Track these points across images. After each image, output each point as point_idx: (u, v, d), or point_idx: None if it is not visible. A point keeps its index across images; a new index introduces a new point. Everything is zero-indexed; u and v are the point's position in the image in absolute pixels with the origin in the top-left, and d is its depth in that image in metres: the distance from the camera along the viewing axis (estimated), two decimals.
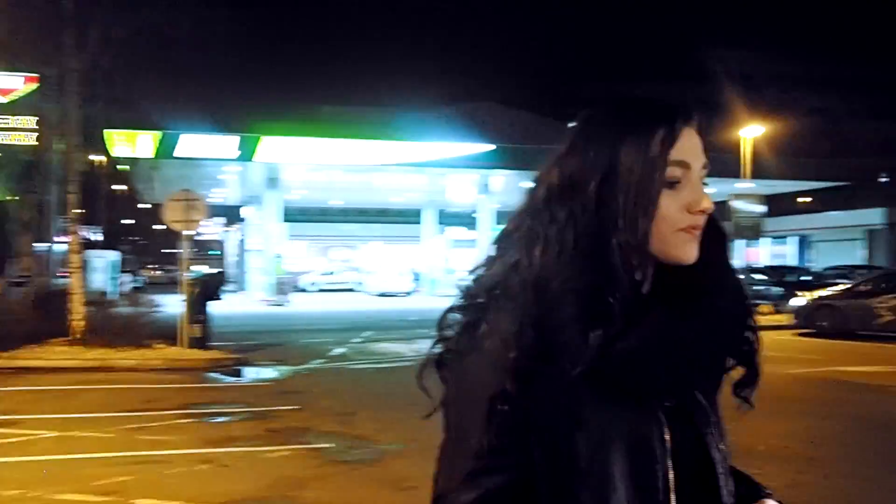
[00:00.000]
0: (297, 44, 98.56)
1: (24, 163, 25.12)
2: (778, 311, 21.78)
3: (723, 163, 27.82)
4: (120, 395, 11.25)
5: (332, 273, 47.79)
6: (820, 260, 44.87)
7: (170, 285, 29.19)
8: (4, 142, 24.78)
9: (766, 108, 35.42)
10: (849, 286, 20.78)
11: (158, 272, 62.71)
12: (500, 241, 1.24)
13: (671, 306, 1.13)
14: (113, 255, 34.77)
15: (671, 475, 1.14)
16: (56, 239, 29.32)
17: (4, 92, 23.30)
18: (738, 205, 24.26)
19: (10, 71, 21.78)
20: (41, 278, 25.57)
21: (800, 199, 50.51)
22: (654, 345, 1.11)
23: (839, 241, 46.36)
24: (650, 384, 1.13)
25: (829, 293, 20.36)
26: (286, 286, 33.87)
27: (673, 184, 1.16)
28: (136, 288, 38.28)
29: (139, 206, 57.22)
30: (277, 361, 14.63)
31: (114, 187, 50.98)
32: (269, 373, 13.55)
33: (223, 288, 23.93)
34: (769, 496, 1.31)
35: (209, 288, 16.57)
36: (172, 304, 17.33)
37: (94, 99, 16.46)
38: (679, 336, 1.12)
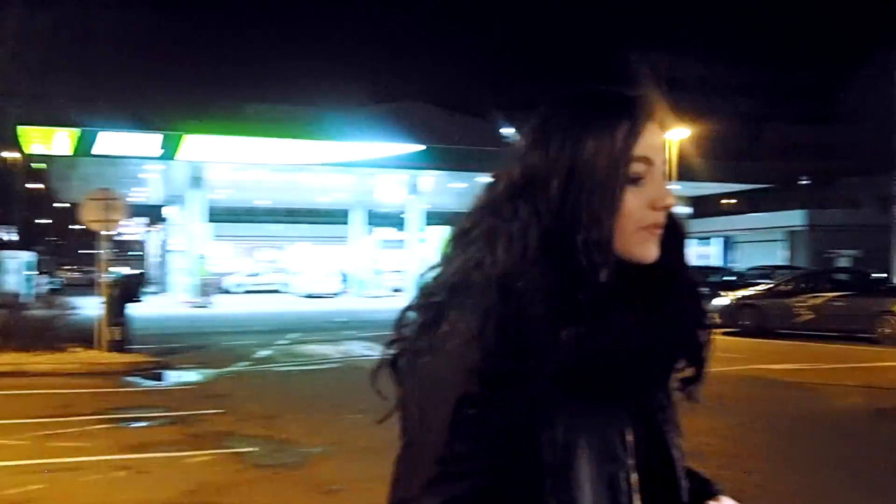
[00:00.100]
0: (222, 41, 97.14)
1: None
2: None
3: None
4: (33, 400, 10.86)
5: (257, 274, 47.35)
6: (743, 260, 45.98)
7: (88, 287, 28.43)
8: None
9: (691, 111, 36.15)
10: (770, 286, 21.31)
11: (76, 273, 61.13)
12: (459, 238, 1.20)
13: (634, 305, 1.13)
14: (28, 256, 33.71)
15: (634, 476, 1.15)
16: None
17: None
18: None
19: None
20: None
21: (724, 201, 51.87)
22: (623, 343, 1.10)
23: (762, 242, 47.69)
24: (618, 383, 1.13)
25: (752, 293, 20.85)
26: (210, 287, 33.35)
27: (636, 180, 1.14)
28: (52, 289, 37.27)
29: (56, 205, 55.66)
30: (200, 364, 14.34)
31: (29, 186, 49.51)
32: (191, 376, 13.26)
33: (144, 289, 23.41)
34: (721, 492, 1.30)
35: (129, 289, 16.16)
36: (90, 307, 16.86)
37: (9, 94, 15.88)
38: (645, 335, 1.12)
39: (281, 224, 46.97)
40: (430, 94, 53.94)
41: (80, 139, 27.22)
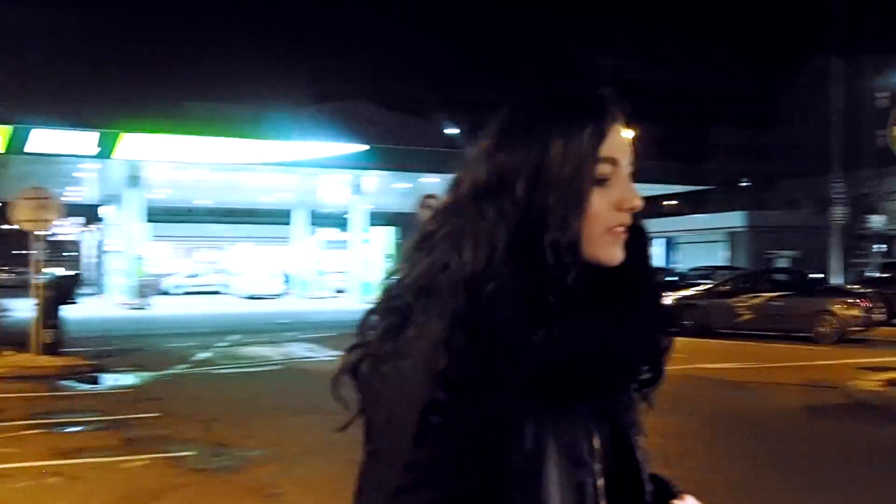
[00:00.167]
0: (163, 38, 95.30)
1: None
2: None
3: None
4: None
5: (197, 275, 46.73)
6: (685, 261, 46.74)
7: (21, 288, 27.69)
8: None
9: (633, 113, 36.55)
10: (711, 286, 21.62)
11: (8, 274, 59.42)
12: (423, 241, 1.18)
13: (603, 307, 1.13)
14: None
15: (601, 480, 1.14)
16: None
17: None
18: None
19: None
20: None
21: (666, 203, 52.62)
22: (594, 346, 1.10)
23: (703, 242, 48.60)
24: (589, 386, 1.12)
25: (693, 293, 21.11)
26: (148, 289, 32.77)
27: (602, 181, 1.14)
28: None
29: None
30: (137, 367, 14.04)
31: None
32: (127, 379, 12.97)
33: (79, 291, 22.93)
34: (683, 492, 1.31)
35: (63, 291, 15.80)
36: (23, 309, 16.43)
37: None
38: (615, 337, 1.12)
39: (222, 224, 46.34)
40: (374, 93, 53.95)
41: (13, 136, 26.56)
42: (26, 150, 26.86)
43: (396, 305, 1.13)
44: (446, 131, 45.71)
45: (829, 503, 6.50)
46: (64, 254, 64.45)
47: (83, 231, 52.80)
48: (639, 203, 1.16)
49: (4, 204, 29.50)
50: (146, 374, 13.32)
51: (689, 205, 49.92)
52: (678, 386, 11.49)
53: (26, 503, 6.21)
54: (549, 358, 1.07)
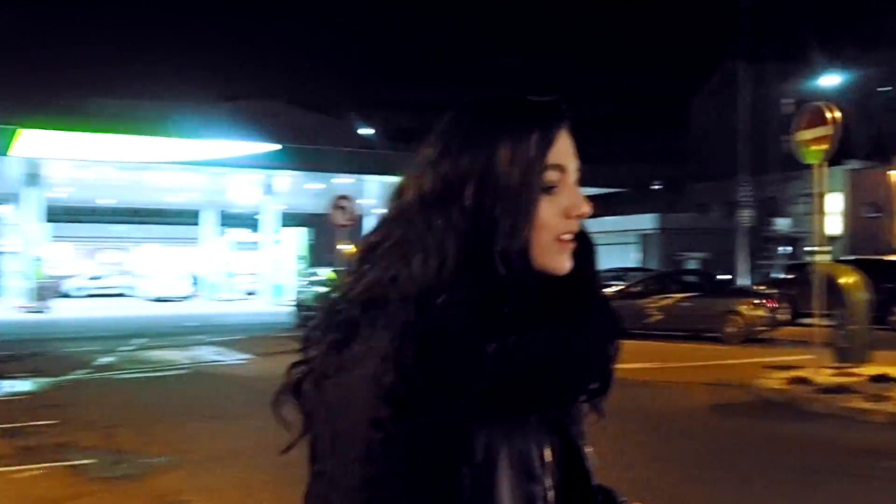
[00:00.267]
0: (62, 31, 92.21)
1: None
2: None
3: None
4: None
5: (101, 277, 45.40)
6: (598, 263, 47.41)
7: None
8: None
9: None
10: (622, 288, 21.95)
11: None
12: (367, 253, 1.15)
13: (555, 317, 1.11)
14: None
15: (552, 493, 1.13)
16: None
17: None
18: None
19: None
20: None
21: None
22: (549, 357, 1.08)
23: (615, 244, 49.48)
24: (542, 397, 1.10)
25: (608, 294, 21.41)
26: (47, 291, 31.61)
27: (550, 188, 1.13)
28: None
29: None
30: (34, 373, 13.48)
31: None
32: (24, 385, 12.43)
33: None
34: (627, 502, 1.31)
35: None
36: None
37: None
38: (568, 347, 1.10)
39: (126, 224, 45.09)
40: (286, 92, 53.34)
41: None
42: None
43: (341, 320, 1.10)
44: (360, 131, 45.50)
45: (734, 498, 6.61)
46: None
47: None
48: (587, 210, 1.15)
49: None
50: (44, 380, 12.80)
51: (602, 207, 50.84)
52: None
53: None
54: (504, 370, 1.04)
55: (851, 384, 10.67)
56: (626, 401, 10.78)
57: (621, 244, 48.93)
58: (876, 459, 7.67)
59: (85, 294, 42.79)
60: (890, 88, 43.58)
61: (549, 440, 1.14)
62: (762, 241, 42.48)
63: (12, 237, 35.47)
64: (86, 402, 10.84)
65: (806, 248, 31.98)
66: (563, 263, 1.15)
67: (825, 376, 11.25)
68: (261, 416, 10.00)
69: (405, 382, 1.01)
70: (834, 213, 36.41)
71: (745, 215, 35.46)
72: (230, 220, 41.64)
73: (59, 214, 37.09)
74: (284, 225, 37.45)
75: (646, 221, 47.65)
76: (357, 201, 22.81)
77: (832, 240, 31.45)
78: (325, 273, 24.52)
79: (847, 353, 12.41)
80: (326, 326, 1.12)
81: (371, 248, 1.15)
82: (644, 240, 48.31)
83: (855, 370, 11.61)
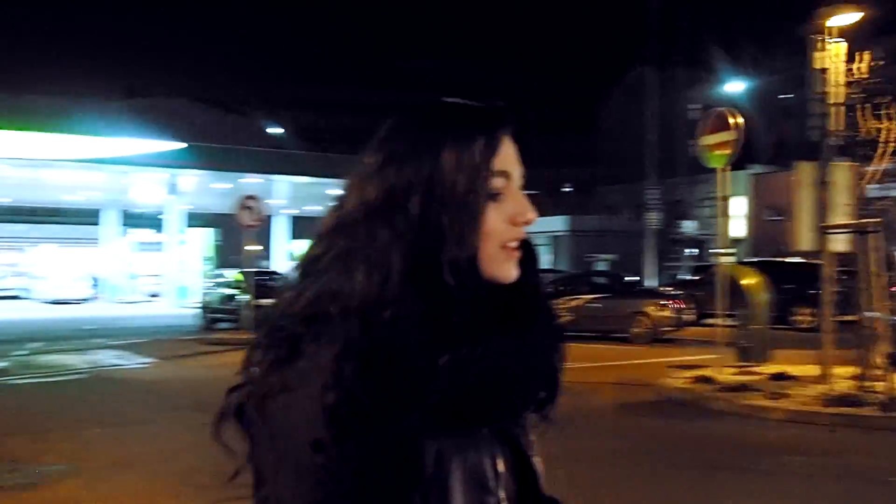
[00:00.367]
0: None
1: None
2: None
3: None
4: None
5: None
6: None
7: None
8: None
9: None
10: None
11: None
12: (307, 266, 1.11)
13: (505, 327, 1.10)
14: None
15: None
16: None
17: None
18: None
19: None
20: None
21: None
22: (501, 367, 1.07)
23: None
24: (495, 409, 1.09)
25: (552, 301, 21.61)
26: None
27: (496, 195, 1.11)
28: None
29: None
30: None
31: None
32: None
33: None
34: None
35: None
36: None
37: None
38: (519, 357, 1.10)
39: (23, 224, 43.34)
40: (192, 89, 52.15)
41: None
42: None
43: (283, 336, 1.04)
44: (269, 130, 44.84)
45: (642, 494, 6.69)
46: None
47: None
48: (533, 217, 1.14)
49: None
50: None
51: None
52: None
53: None
54: (457, 382, 1.02)
55: (752, 382, 10.96)
56: None
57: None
58: (775, 455, 7.89)
59: None
60: (791, 96, 45.29)
61: (501, 451, 1.13)
62: (669, 243, 43.61)
63: None
64: None
65: (711, 250, 32.91)
66: (510, 272, 1.13)
67: (727, 375, 11.54)
68: (162, 421, 9.69)
69: (348, 401, 0.97)
70: (738, 217, 37.63)
71: (653, 218, 36.32)
72: (133, 219, 40.55)
73: None
74: (190, 225, 36.68)
75: (556, 223, 48.33)
76: (265, 201, 22.45)
77: (736, 242, 32.44)
78: (232, 274, 24.08)
79: (749, 353, 12.77)
80: (267, 344, 1.06)
81: (312, 261, 1.10)
82: (554, 242, 48.99)
83: (756, 369, 11.95)
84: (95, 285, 39.43)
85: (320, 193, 36.52)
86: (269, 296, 22.20)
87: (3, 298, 40.48)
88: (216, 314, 23.02)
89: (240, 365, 1.09)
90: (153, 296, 37.22)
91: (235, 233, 22.83)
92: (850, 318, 11.15)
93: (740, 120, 12.61)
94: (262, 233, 27.59)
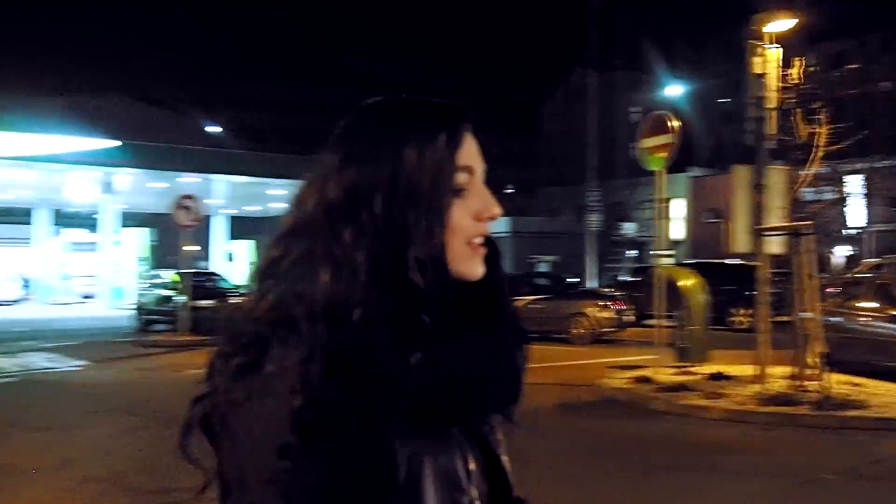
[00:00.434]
0: None
1: None
2: None
3: None
4: None
5: None
6: None
7: None
8: None
9: None
10: None
11: None
12: (268, 269, 1.07)
13: (473, 326, 1.10)
14: None
15: (478, 503, 1.11)
16: None
17: None
18: None
19: None
20: None
21: None
22: (472, 366, 1.07)
23: None
24: (467, 408, 1.09)
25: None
26: None
27: (460, 191, 1.11)
28: None
29: None
30: None
31: None
32: None
33: None
34: None
35: None
36: None
37: None
38: (489, 356, 1.10)
39: None
40: (128, 86, 51.15)
41: None
42: None
43: (246, 342, 1.01)
44: (207, 129, 44.17)
45: (578, 495, 6.73)
46: None
47: None
48: (498, 212, 1.14)
49: None
50: None
51: None
52: None
53: None
54: (429, 382, 1.02)
55: (690, 382, 11.10)
56: None
57: None
58: (712, 454, 8.01)
59: None
60: (729, 100, 46.28)
61: (471, 450, 1.12)
62: (610, 245, 44.14)
63: None
64: None
65: (651, 252, 33.41)
66: (476, 269, 1.13)
67: (666, 375, 11.68)
68: (95, 424, 9.45)
69: (315, 405, 0.94)
70: (677, 219, 38.27)
71: (594, 220, 36.69)
72: (66, 219, 39.65)
73: None
74: (125, 225, 35.97)
75: (498, 225, 48.48)
76: (203, 201, 22.10)
77: (675, 244, 32.95)
78: (169, 275, 23.69)
79: (687, 353, 12.94)
80: (231, 352, 1.02)
81: (272, 264, 1.07)
82: (498, 243, 49.37)
83: (694, 369, 12.11)
84: (27, 286, 38.44)
85: (260, 193, 36.17)
86: (207, 297, 21.76)
87: None
88: (152, 316, 22.66)
89: (202, 373, 1.05)
90: (87, 297, 36.39)
91: (172, 233, 22.40)
92: (785, 318, 11.37)
93: (678, 123, 12.79)
94: (200, 233, 27.17)
